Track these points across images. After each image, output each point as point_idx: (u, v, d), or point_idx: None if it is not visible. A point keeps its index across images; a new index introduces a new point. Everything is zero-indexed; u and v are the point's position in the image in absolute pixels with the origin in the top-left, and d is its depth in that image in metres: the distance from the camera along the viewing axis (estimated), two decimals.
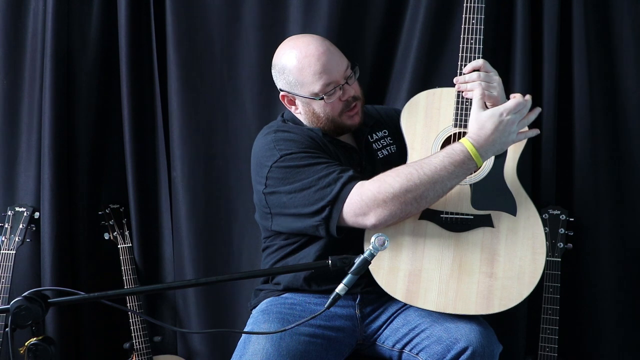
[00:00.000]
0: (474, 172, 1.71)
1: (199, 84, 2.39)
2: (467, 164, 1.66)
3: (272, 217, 1.82)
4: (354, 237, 1.72)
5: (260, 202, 1.84)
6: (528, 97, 1.69)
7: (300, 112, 1.86)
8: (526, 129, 1.73)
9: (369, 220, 1.66)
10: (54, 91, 2.36)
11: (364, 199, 1.65)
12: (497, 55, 2.20)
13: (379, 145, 1.92)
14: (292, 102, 1.86)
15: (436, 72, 2.24)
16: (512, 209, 1.73)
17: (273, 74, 1.87)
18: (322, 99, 1.78)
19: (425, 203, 1.66)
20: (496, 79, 1.75)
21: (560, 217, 2.14)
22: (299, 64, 1.77)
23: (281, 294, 1.88)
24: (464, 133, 1.74)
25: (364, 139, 1.91)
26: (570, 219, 2.15)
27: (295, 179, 1.72)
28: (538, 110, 1.73)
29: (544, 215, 2.13)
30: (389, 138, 1.94)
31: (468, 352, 1.62)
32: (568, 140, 2.22)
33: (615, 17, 2.18)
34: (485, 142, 1.66)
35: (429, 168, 1.65)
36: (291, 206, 1.74)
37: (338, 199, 1.67)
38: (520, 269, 1.70)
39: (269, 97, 2.32)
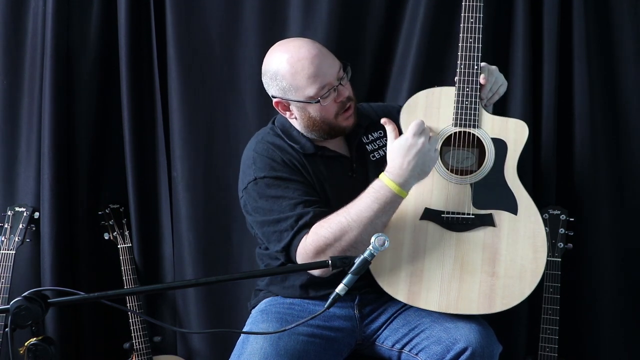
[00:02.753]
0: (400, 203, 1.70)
1: (199, 83, 2.39)
2: (392, 199, 1.67)
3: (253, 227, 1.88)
4: None
5: (242, 210, 1.88)
6: (420, 121, 1.70)
7: (295, 117, 1.84)
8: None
9: (317, 271, 1.71)
10: (54, 91, 2.36)
11: (307, 252, 1.69)
12: (497, 55, 2.20)
13: (374, 147, 1.91)
14: (287, 108, 1.83)
15: (436, 71, 2.24)
16: (513, 208, 1.73)
17: (264, 81, 1.84)
18: (318, 102, 1.76)
19: (362, 245, 1.64)
20: (497, 75, 1.78)
21: (560, 217, 2.14)
22: (292, 68, 1.75)
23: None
24: (464, 132, 1.74)
25: (357, 141, 1.90)
26: (570, 219, 2.14)
27: (262, 208, 1.77)
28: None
29: (544, 215, 2.13)
30: (384, 139, 1.92)
31: (467, 353, 1.62)
32: (568, 140, 2.22)
33: (616, 17, 2.18)
34: (403, 172, 1.67)
35: (356, 212, 1.67)
36: (258, 231, 1.83)
37: (291, 246, 1.73)
38: (521, 268, 1.70)
39: (268, 97, 2.30)
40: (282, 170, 1.79)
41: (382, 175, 1.69)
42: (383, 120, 1.77)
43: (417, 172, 1.68)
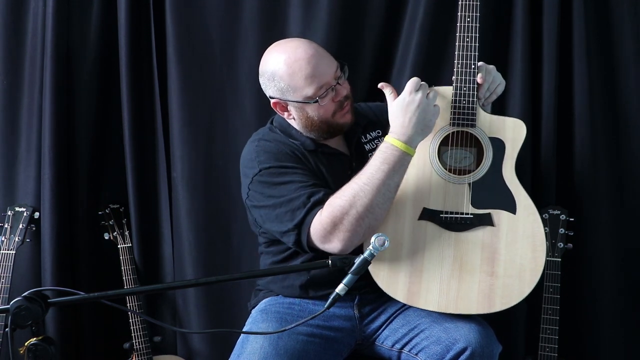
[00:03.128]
0: (409, 162, 1.71)
1: (199, 84, 2.39)
2: (399, 157, 1.67)
3: (260, 224, 1.85)
4: None
5: (247, 209, 1.87)
6: (416, 78, 1.72)
7: (293, 117, 1.84)
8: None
9: (335, 245, 1.68)
10: (54, 91, 2.36)
11: (324, 226, 1.67)
12: (496, 55, 2.20)
13: (372, 146, 1.92)
14: (285, 109, 1.84)
15: (435, 71, 2.24)
16: (511, 207, 1.73)
17: (261, 81, 1.85)
18: (316, 102, 1.76)
19: (379, 210, 1.66)
20: (495, 74, 1.79)
21: (560, 217, 2.14)
22: (289, 69, 1.75)
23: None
24: (461, 132, 1.74)
25: (356, 140, 1.90)
26: (570, 219, 2.14)
27: (271, 195, 1.75)
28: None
29: (544, 215, 2.13)
30: (382, 138, 1.92)
31: (467, 353, 1.62)
32: (568, 140, 2.22)
33: (616, 17, 2.18)
34: (405, 129, 1.68)
35: (366, 176, 1.67)
36: (267, 221, 1.78)
37: (304, 224, 1.70)
38: (521, 267, 1.70)
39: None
40: (287, 160, 1.79)
41: (386, 137, 1.70)
42: (380, 85, 1.77)
43: (420, 127, 1.68)
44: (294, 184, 1.73)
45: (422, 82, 1.72)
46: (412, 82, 1.70)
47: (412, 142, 1.68)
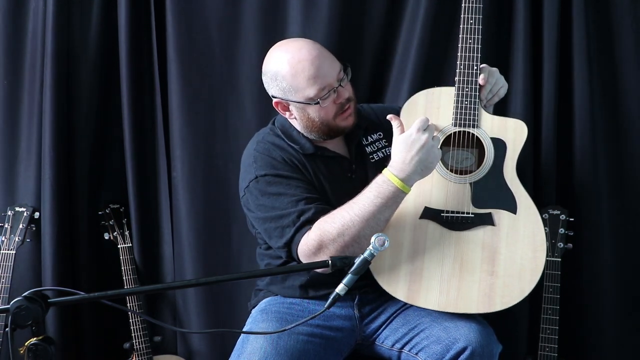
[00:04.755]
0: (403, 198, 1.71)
1: (199, 84, 2.39)
2: (394, 194, 1.67)
3: (253, 225, 1.88)
4: None
5: (244, 209, 1.88)
6: (425, 118, 1.72)
7: (294, 117, 1.84)
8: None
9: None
10: (54, 91, 2.36)
11: (310, 248, 1.69)
12: (498, 55, 2.20)
13: (374, 148, 1.92)
14: (286, 109, 1.84)
15: (436, 71, 2.24)
16: (512, 207, 1.73)
17: (264, 80, 1.85)
18: (318, 103, 1.76)
19: (365, 241, 1.65)
20: (498, 76, 1.79)
21: (560, 217, 2.14)
22: (292, 69, 1.75)
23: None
24: (464, 132, 1.74)
25: (356, 142, 1.90)
26: (570, 219, 2.14)
27: (263, 205, 1.77)
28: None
29: (544, 215, 2.13)
30: (384, 140, 1.93)
31: (467, 352, 1.62)
32: (568, 140, 2.22)
33: (616, 17, 2.19)
34: (406, 167, 1.67)
35: (359, 207, 1.67)
36: (258, 228, 1.82)
37: (293, 242, 1.72)
38: (521, 267, 1.70)
39: (268, 98, 2.30)
40: (283, 168, 1.79)
41: (385, 170, 1.70)
42: (389, 116, 1.77)
43: (420, 167, 1.68)
44: (287, 197, 1.75)
45: (430, 123, 1.71)
46: (421, 121, 1.70)
47: (409, 180, 1.68)
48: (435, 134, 1.72)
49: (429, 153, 1.68)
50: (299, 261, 1.74)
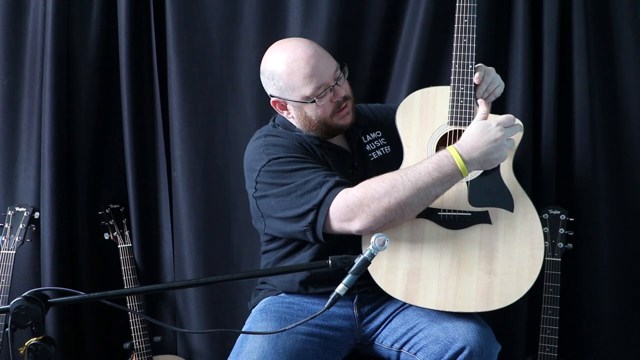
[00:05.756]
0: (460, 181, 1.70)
1: (199, 84, 2.39)
2: (452, 172, 1.65)
3: (264, 220, 1.83)
4: (351, 239, 1.72)
5: (253, 206, 1.85)
6: (519, 122, 1.72)
7: (292, 116, 1.85)
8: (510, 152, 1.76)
9: (354, 225, 1.66)
10: (54, 91, 2.36)
11: (349, 204, 1.65)
12: (497, 55, 2.20)
13: (373, 147, 1.92)
14: (284, 107, 1.85)
15: (436, 72, 2.24)
16: (509, 206, 1.73)
17: (262, 80, 1.86)
18: (314, 102, 1.77)
19: (410, 210, 1.65)
20: (494, 75, 1.79)
21: (560, 217, 2.14)
22: (288, 68, 1.76)
23: (279, 294, 1.89)
24: (459, 131, 1.74)
25: (357, 140, 1.90)
26: (570, 219, 2.14)
27: (283, 183, 1.73)
28: (519, 134, 1.76)
29: (544, 215, 2.13)
30: (382, 139, 1.94)
31: (465, 352, 1.62)
32: (568, 141, 2.22)
33: (616, 17, 2.19)
34: (472, 150, 1.66)
35: (414, 174, 1.65)
36: (279, 209, 1.75)
37: (323, 203, 1.68)
38: (519, 265, 1.70)
39: (268, 97, 2.32)
40: (297, 151, 1.78)
41: (450, 147, 1.68)
42: (479, 100, 1.75)
43: (484, 158, 1.67)
44: (307, 170, 1.72)
45: (516, 124, 1.70)
46: (507, 118, 1.69)
47: (470, 165, 1.66)
48: (510, 138, 1.69)
49: (498, 150, 1.67)
50: (327, 235, 1.69)
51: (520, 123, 1.73)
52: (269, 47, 1.87)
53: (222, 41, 2.38)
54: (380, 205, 1.63)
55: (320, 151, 1.83)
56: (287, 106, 1.83)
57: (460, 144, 1.68)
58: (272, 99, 1.84)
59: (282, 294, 1.89)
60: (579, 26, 2.16)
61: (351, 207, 1.65)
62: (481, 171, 1.74)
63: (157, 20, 2.39)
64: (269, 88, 1.84)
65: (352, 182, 1.74)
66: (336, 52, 1.85)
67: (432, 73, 2.23)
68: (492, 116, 1.74)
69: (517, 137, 1.76)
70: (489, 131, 1.67)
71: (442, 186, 1.66)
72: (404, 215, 1.66)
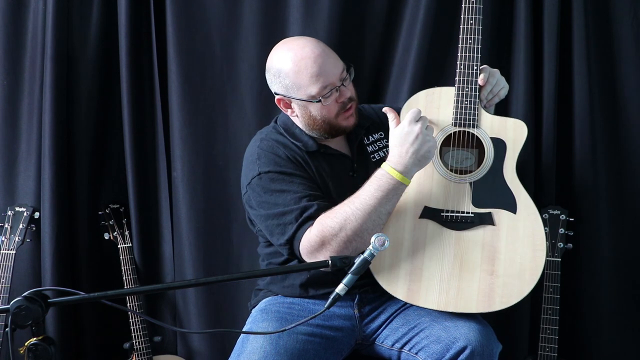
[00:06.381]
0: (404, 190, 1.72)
1: (199, 83, 2.39)
2: (394, 186, 1.68)
3: (254, 223, 1.87)
4: None
5: (245, 205, 1.88)
6: (417, 109, 1.73)
7: (296, 115, 1.84)
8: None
9: (322, 258, 1.70)
10: (54, 91, 2.36)
11: (312, 244, 1.69)
12: (497, 55, 2.20)
13: (375, 148, 1.92)
14: (288, 106, 1.84)
15: (436, 72, 2.24)
16: (512, 207, 1.73)
17: (267, 77, 1.85)
18: (319, 101, 1.77)
19: (367, 235, 1.66)
20: (499, 77, 1.80)
21: (560, 217, 2.14)
22: (295, 66, 1.76)
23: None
24: (463, 132, 1.74)
25: (358, 142, 1.90)
26: (570, 219, 2.15)
27: (267, 201, 1.77)
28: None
29: (544, 215, 2.13)
30: (384, 140, 1.94)
31: (467, 352, 1.62)
32: (568, 140, 2.22)
33: (615, 17, 2.18)
34: (402, 159, 1.68)
35: (359, 202, 1.68)
36: (260, 225, 1.82)
37: (295, 238, 1.72)
38: (521, 267, 1.70)
39: (268, 97, 2.30)
40: (286, 165, 1.80)
41: (384, 164, 1.71)
42: (385, 109, 1.78)
43: (417, 158, 1.68)
44: (290, 194, 1.75)
45: (423, 115, 1.72)
46: (412, 113, 1.71)
47: (408, 172, 1.69)
48: (428, 124, 1.72)
49: (424, 143, 1.69)
50: (301, 259, 1.74)
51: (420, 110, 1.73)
52: (269, 46, 1.86)
53: (222, 41, 2.38)
54: (340, 240, 1.67)
55: (315, 162, 1.84)
56: (292, 105, 1.83)
57: (389, 158, 1.71)
58: (277, 97, 1.84)
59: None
60: (579, 26, 2.16)
61: (315, 246, 1.69)
62: (485, 172, 1.74)
63: (157, 20, 2.39)
64: (274, 86, 1.83)
65: (353, 185, 1.75)
66: (336, 52, 1.84)
67: (432, 73, 2.23)
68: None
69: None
70: (406, 133, 1.69)
71: (389, 203, 1.69)
72: (364, 241, 1.67)
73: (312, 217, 1.71)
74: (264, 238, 1.90)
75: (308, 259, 1.72)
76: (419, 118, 1.71)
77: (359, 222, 1.66)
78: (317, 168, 1.83)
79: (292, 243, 1.73)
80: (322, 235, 1.68)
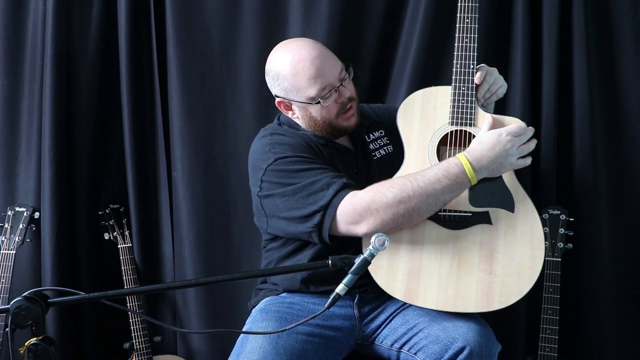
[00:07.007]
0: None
1: (199, 83, 2.39)
2: (461, 179, 1.67)
3: (268, 219, 1.82)
4: (353, 239, 1.72)
5: (256, 204, 1.85)
6: (531, 128, 1.73)
7: (297, 116, 1.85)
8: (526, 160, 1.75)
9: (360, 229, 1.66)
10: (54, 91, 2.36)
11: (357, 208, 1.65)
12: (497, 55, 2.20)
13: (376, 146, 1.92)
14: (289, 108, 1.85)
15: (436, 72, 2.24)
16: (509, 206, 1.73)
17: (267, 80, 1.85)
18: (319, 102, 1.77)
19: (418, 216, 1.66)
20: (497, 76, 1.80)
21: (560, 217, 2.14)
22: (292, 69, 1.76)
23: (280, 294, 1.89)
24: (460, 131, 1.74)
25: (360, 140, 1.91)
26: (570, 219, 2.14)
27: (289, 183, 1.73)
28: (535, 141, 1.76)
29: (544, 215, 2.13)
30: (385, 138, 1.94)
31: (466, 352, 1.62)
32: (568, 140, 2.22)
33: (615, 17, 2.18)
34: (481, 158, 1.68)
35: (423, 180, 1.66)
36: (284, 209, 1.75)
37: (330, 205, 1.68)
38: (519, 266, 1.70)
39: (269, 97, 2.30)
40: (303, 150, 1.78)
41: (460, 154, 1.69)
42: (487, 115, 1.75)
43: (493, 166, 1.68)
44: (314, 171, 1.72)
45: (524, 135, 1.71)
46: (518, 127, 1.71)
47: (479, 173, 1.68)
48: (522, 144, 1.70)
49: (507, 159, 1.69)
50: (332, 236, 1.69)
51: (532, 129, 1.74)
52: (269, 47, 1.87)
53: (222, 41, 2.38)
54: (389, 211, 1.64)
55: (327, 150, 1.83)
56: (292, 107, 1.83)
57: (470, 152, 1.69)
58: (277, 100, 1.84)
59: (283, 294, 1.89)
60: (579, 26, 2.16)
61: (359, 210, 1.65)
62: None
63: (157, 20, 2.39)
64: (274, 88, 1.84)
65: (356, 182, 1.74)
66: (336, 52, 1.84)
67: (432, 73, 2.23)
68: (502, 119, 1.75)
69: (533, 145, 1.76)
70: (500, 141, 1.68)
71: (450, 193, 1.67)
72: (411, 220, 1.67)
73: (348, 185, 1.68)
74: (269, 235, 1.87)
75: (347, 224, 1.66)
76: (521, 134, 1.70)
77: (416, 200, 1.64)
78: (329, 155, 1.82)
79: (326, 210, 1.67)
80: (371, 201, 1.64)
